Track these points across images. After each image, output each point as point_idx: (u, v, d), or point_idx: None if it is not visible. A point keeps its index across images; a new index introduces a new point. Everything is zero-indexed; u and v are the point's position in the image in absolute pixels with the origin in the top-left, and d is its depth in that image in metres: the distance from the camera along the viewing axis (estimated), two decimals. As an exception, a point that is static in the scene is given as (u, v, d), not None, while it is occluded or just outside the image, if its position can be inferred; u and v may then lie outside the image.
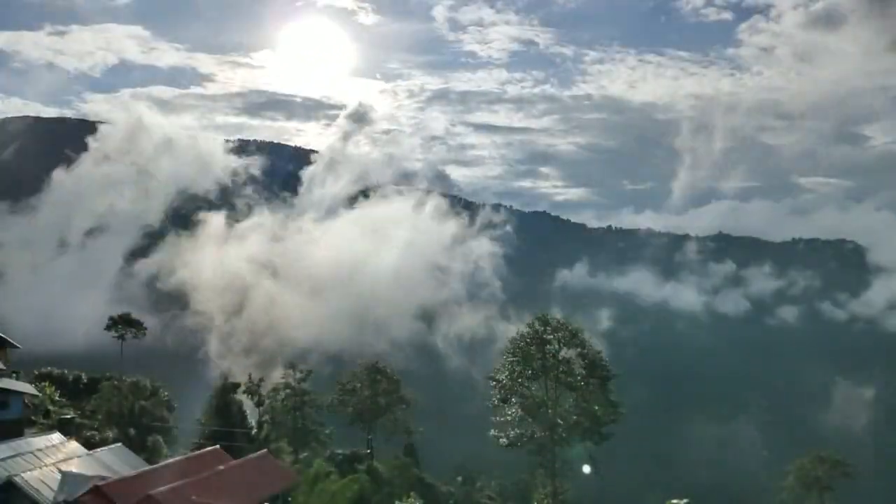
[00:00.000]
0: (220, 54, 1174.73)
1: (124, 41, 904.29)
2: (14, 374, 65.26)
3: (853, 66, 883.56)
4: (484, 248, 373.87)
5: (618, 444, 51.75)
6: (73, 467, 41.91)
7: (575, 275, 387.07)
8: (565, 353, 49.98)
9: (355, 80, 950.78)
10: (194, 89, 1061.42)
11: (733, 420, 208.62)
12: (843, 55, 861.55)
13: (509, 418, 50.33)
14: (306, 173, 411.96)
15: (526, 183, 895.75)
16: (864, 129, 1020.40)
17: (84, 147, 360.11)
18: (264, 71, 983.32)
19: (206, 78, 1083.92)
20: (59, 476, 39.30)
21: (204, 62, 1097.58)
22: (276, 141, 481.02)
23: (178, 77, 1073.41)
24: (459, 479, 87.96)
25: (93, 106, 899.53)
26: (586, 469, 49.53)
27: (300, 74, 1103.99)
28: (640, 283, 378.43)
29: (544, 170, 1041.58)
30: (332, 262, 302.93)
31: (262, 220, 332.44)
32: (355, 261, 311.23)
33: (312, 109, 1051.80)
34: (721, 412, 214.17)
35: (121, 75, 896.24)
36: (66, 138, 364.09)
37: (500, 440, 50.38)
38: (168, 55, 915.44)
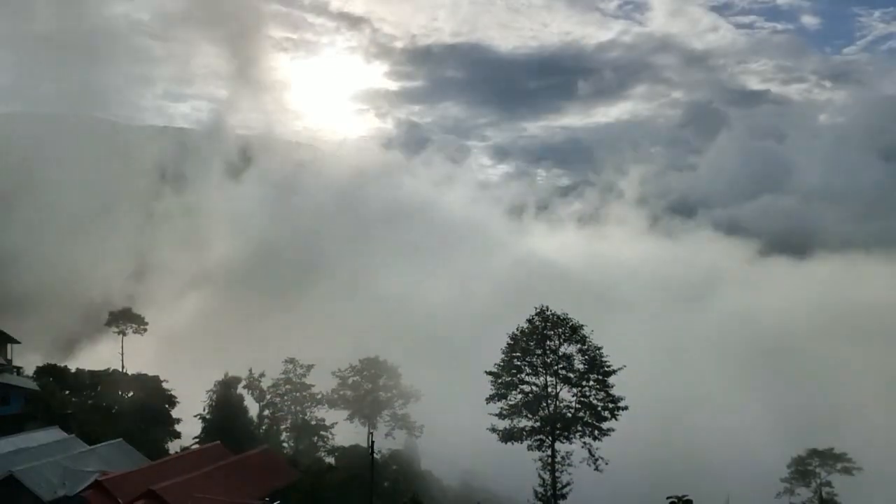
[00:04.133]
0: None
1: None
2: (16, 371, 65.39)
3: None
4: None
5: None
6: (75, 462, 42.00)
7: None
8: (566, 348, 49.87)
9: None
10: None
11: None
12: None
13: (508, 413, 50.22)
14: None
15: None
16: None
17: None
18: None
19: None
20: (60, 471, 39.40)
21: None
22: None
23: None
24: (459, 479, 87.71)
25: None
26: (586, 464, 49.39)
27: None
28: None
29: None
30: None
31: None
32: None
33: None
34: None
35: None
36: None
37: (499, 436, 50.27)
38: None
